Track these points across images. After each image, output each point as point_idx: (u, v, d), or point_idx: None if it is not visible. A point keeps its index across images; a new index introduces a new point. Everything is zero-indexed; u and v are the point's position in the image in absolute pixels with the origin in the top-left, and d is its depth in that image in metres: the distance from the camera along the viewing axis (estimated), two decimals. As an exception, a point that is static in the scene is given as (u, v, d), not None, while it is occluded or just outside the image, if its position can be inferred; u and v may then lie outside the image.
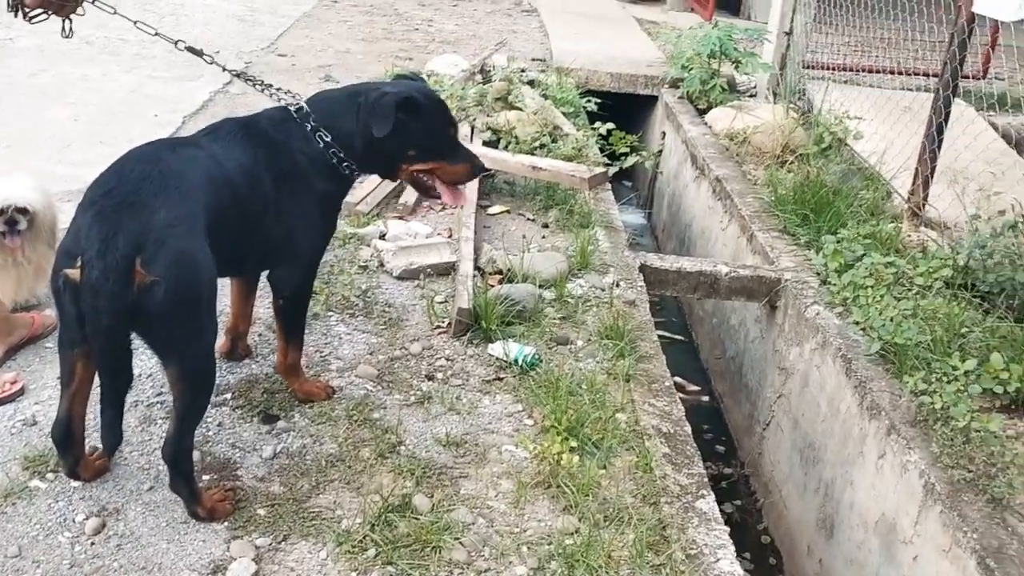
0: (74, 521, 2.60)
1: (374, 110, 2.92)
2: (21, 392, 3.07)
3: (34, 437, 2.90)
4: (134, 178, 2.47)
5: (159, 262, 2.35)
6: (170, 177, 2.51)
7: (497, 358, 3.64)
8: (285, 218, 2.91)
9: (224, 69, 3.27)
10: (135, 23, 3.22)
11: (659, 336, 4.13)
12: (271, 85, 3.22)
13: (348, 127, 2.97)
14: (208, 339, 2.61)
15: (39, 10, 2.78)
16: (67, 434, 2.62)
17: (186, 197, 2.50)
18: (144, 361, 3.35)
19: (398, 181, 3.56)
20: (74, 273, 2.35)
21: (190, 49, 3.22)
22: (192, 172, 2.61)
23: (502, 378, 3.54)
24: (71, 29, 2.90)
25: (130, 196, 2.41)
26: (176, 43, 3.27)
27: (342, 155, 2.98)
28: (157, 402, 3.15)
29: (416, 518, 2.74)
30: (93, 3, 2.96)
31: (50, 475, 2.75)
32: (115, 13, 3.11)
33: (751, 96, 7.76)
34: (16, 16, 2.77)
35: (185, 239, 2.45)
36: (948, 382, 3.56)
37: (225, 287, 3.37)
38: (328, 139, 2.96)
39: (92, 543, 2.53)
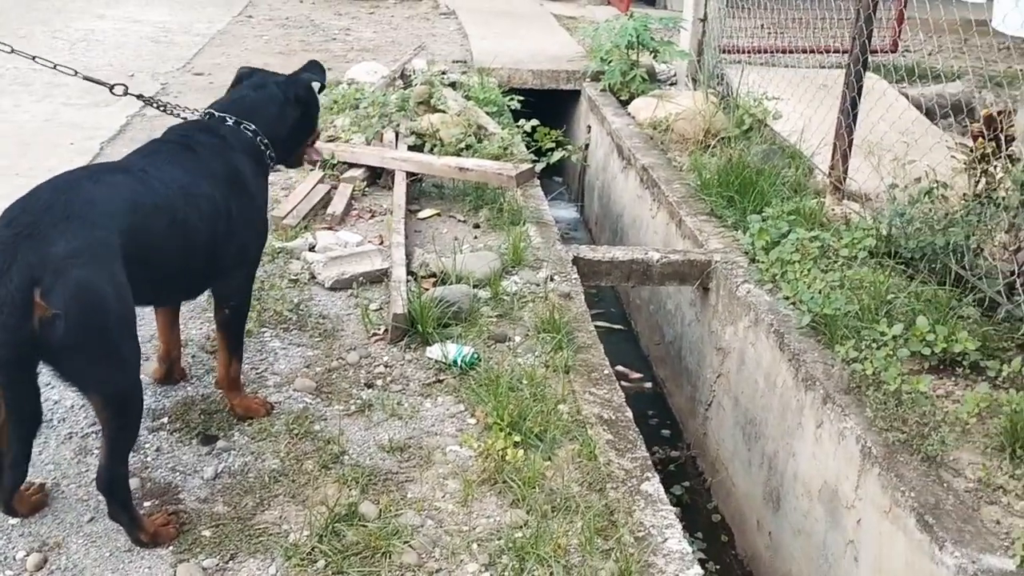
0: (14, 558, 2.54)
1: (302, 97, 3.24)
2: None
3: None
4: (37, 208, 2.42)
5: (58, 294, 2.29)
6: (76, 205, 2.45)
7: (436, 361, 3.64)
8: (234, 224, 2.94)
9: (126, 93, 3.23)
10: (33, 58, 3.18)
11: (598, 326, 4.17)
12: (175, 105, 3.28)
13: (270, 117, 3.14)
14: (126, 366, 2.52)
15: None
16: None
17: (92, 226, 2.44)
18: (77, 398, 3.29)
19: (299, 167, 3.80)
20: None
21: (87, 78, 3.20)
22: (107, 199, 2.56)
23: (442, 380, 3.54)
24: None
25: (29, 227, 2.35)
26: (75, 73, 3.28)
27: (266, 144, 3.11)
28: (92, 432, 3.09)
29: (364, 525, 2.73)
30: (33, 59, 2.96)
31: (-18, 515, 2.68)
32: (12, 52, 3.07)
33: (671, 84, 7.87)
34: None
35: (87, 268, 2.37)
36: (878, 348, 3.65)
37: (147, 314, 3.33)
38: (252, 130, 3.07)
39: (33, 580, 2.48)
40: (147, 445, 3.05)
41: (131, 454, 2.94)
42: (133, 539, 2.61)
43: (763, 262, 4.52)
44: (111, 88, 3.24)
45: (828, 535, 3.59)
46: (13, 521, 2.66)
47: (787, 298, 4.24)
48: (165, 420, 3.20)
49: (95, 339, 2.39)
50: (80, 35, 8.83)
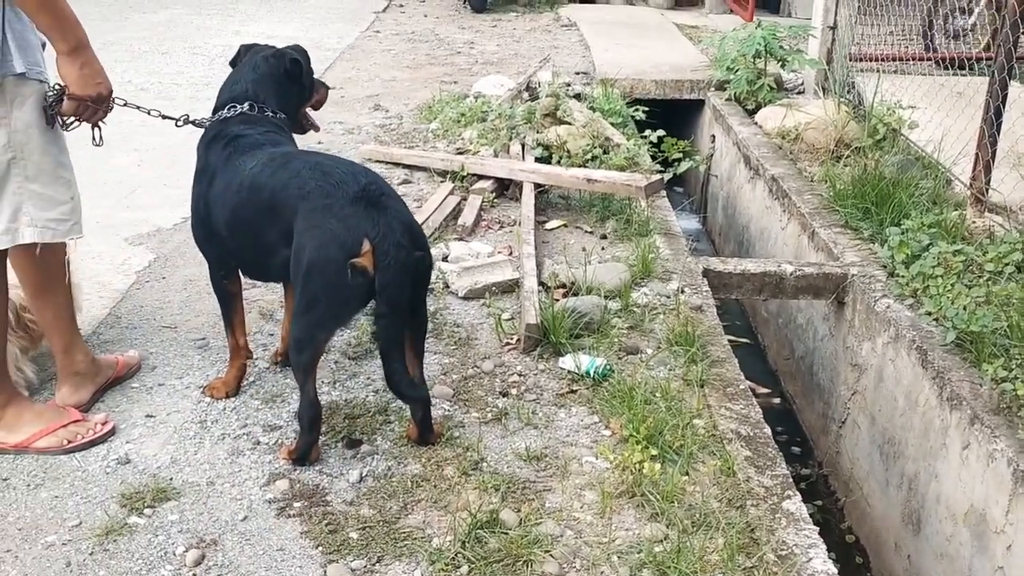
0: (174, 554, 2.67)
1: (298, 66, 3.44)
2: (112, 432, 3.17)
3: (129, 475, 2.98)
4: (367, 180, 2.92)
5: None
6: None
7: (569, 371, 3.66)
8: None
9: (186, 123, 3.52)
10: (149, 112, 3.49)
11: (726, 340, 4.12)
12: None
13: (277, 93, 3.39)
14: None
15: (72, 117, 2.96)
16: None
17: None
18: (231, 399, 3.43)
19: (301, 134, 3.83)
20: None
21: (192, 123, 3.51)
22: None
23: (575, 391, 3.56)
24: (101, 137, 3.14)
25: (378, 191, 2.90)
26: (177, 121, 3.52)
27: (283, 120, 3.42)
28: (243, 434, 3.22)
29: (505, 533, 2.77)
30: (124, 105, 3.22)
31: (147, 510, 2.82)
32: (139, 108, 3.41)
33: (799, 93, 7.72)
34: (53, 127, 2.96)
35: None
36: (1029, 367, 3.51)
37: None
38: (273, 110, 3.37)
39: (193, 574, 2.60)
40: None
41: (283, 459, 3.09)
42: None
43: (903, 276, 4.39)
44: (176, 122, 3.51)
45: (974, 560, 3.45)
46: (172, 517, 2.80)
47: (929, 314, 4.11)
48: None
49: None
50: (218, 51, 9.20)
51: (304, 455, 3.05)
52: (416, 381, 3.11)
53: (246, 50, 3.57)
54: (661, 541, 2.77)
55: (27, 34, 2.82)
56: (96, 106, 2.92)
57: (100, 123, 3.06)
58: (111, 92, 2.96)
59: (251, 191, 3.05)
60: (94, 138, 3.11)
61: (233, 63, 3.60)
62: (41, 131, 2.90)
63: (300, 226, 2.89)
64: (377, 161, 6.03)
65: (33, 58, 2.84)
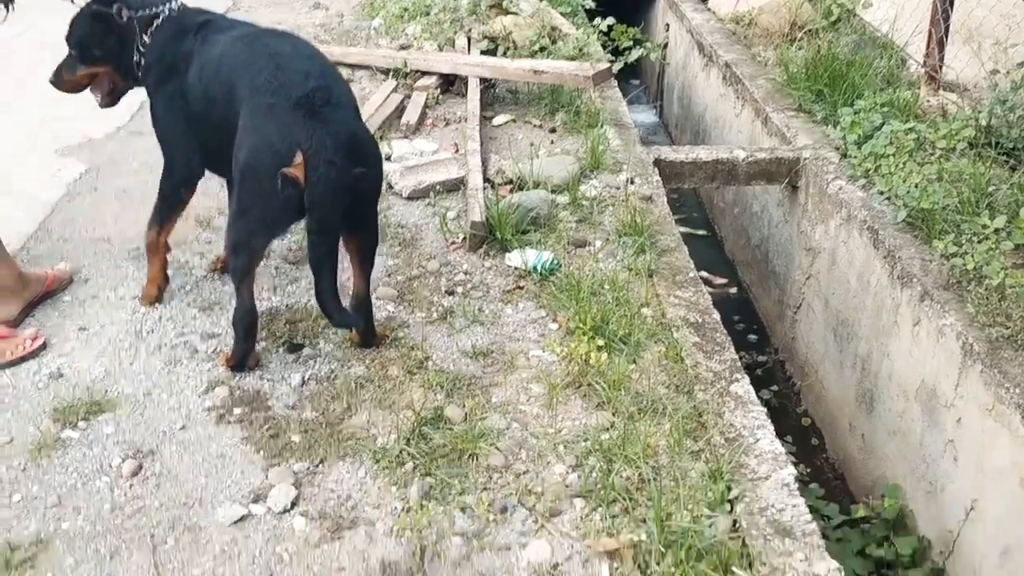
0: (110, 466, 2.60)
1: None
2: (43, 347, 3.06)
3: (62, 389, 2.90)
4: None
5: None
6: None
7: (515, 267, 3.59)
8: None
9: None
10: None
11: (682, 232, 4.04)
12: None
13: None
14: None
15: None
16: None
17: None
18: (163, 304, 3.33)
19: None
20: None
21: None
22: None
23: (522, 286, 3.49)
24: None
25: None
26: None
27: None
28: (180, 343, 3.14)
29: (450, 428, 2.73)
30: None
31: (82, 424, 2.75)
32: None
33: (753, -23, 7.50)
34: None
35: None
36: (979, 242, 3.48)
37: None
38: None
39: (131, 485, 2.54)
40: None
41: (221, 367, 3.01)
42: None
43: (855, 157, 4.33)
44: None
45: (925, 435, 3.47)
46: (108, 430, 2.73)
47: (881, 193, 4.05)
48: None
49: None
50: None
51: (241, 362, 2.97)
52: (356, 304, 3.05)
53: None
54: (607, 429, 2.74)
55: None
56: None
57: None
58: None
59: (218, 67, 2.96)
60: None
61: None
62: None
63: (243, 121, 2.79)
64: (318, 62, 5.81)
65: None
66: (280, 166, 2.64)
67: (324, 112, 2.70)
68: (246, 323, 2.92)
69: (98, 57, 3.23)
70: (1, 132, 4.90)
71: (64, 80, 3.28)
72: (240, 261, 2.87)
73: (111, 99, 3.35)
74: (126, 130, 4.89)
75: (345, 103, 2.86)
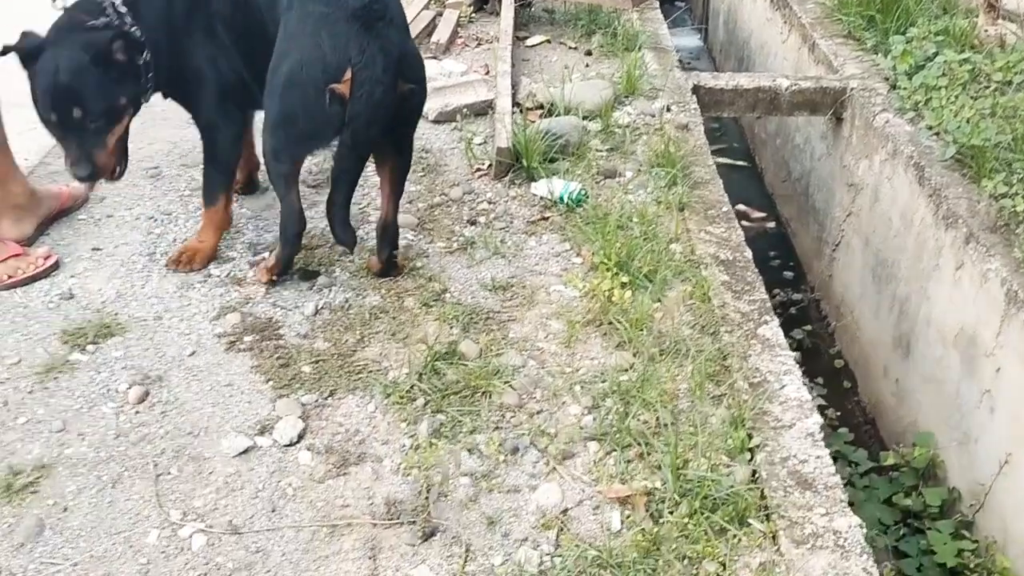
0: (117, 391, 2.55)
1: None
2: (55, 267, 3.01)
3: (72, 311, 2.85)
4: None
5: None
6: None
7: (541, 197, 3.46)
8: None
9: None
10: None
11: (721, 163, 3.88)
12: None
13: None
14: None
15: None
16: None
17: None
18: (178, 225, 3.26)
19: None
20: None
21: None
22: None
23: (547, 217, 3.37)
24: None
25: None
26: None
27: None
28: (194, 267, 3.07)
29: (464, 364, 2.64)
30: None
31: (90, 347, 2.70)
32: None
33: None
34: None
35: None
36: (1032, 182, 3.29)
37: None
38: None
39: (136, 412, 2.49)
40: (247, 280, 3.01)
41: (235, 288, 2.95)
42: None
43: (905, 88, 4.10)
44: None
45: (962, 384, 3.34)
46: (116, 354, 2.68)
47: (930, 128, 3.85)
48: (266, 254, 3.14)
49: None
50: None
51: (286, 266, 2.94)
52: (383, 230, 2.97)
53: None
54: (627, 370, 2.64)
55: None
56: None
57: None
58: None
59: None
60: None
61: None
62: None
63: (291, 25, 2.66)
64: (350, -23, 5.63)
65: None
66: (330, 82, 2.55)
67: (379, 27, 2.58)
68: (296, 227, 2.88)
69: (127, 103, 2.74)
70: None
71: (102, 164, 2.71)
72: (284, 166, 2.81)
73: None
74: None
75: (399, 20, 2.73)
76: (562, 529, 2.18)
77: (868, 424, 4.07)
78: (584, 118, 3.92)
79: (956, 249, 3.37)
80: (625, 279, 2.95)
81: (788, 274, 5.02)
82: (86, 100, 2.61)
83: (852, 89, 4.30)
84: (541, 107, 4.01)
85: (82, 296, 2.91)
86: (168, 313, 2.86)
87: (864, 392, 4.19)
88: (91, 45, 2.60)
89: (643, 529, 2.15)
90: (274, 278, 2.96)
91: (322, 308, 2.90)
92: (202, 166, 3.08)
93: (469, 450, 2.37)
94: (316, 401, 2.55)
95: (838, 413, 4.07)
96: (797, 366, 2.71)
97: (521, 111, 3.98)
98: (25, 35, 2.66)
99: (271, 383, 2.60)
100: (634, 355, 2.69)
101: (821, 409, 3.98)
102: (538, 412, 2.51)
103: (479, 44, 4.75)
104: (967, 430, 3.28)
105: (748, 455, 2.36)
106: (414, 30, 4.66)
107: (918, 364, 3.66)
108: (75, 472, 2.31)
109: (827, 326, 4.63)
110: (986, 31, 4.51)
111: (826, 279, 4.69)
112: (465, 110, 3.99)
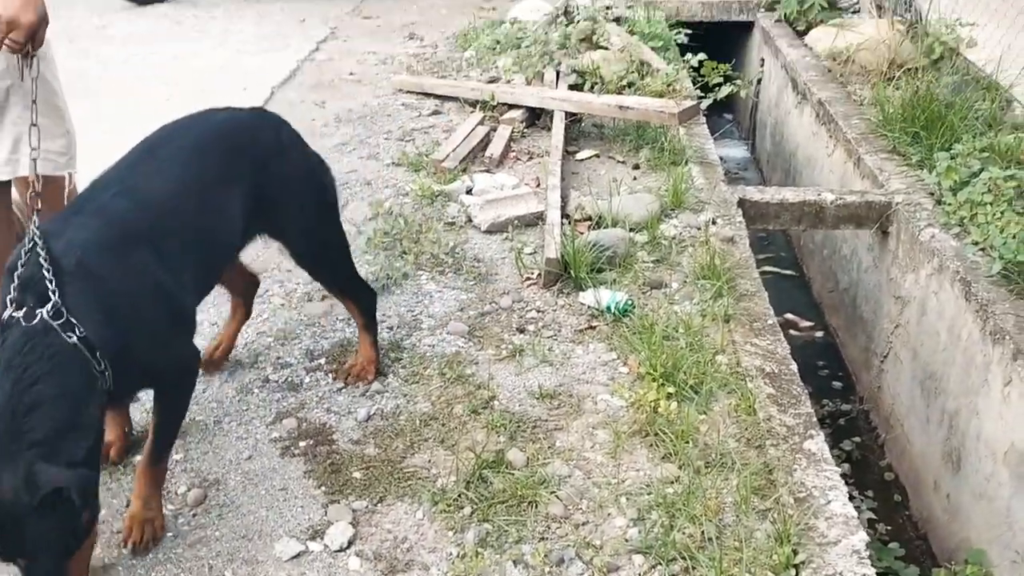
0: (176, 493, 2.65)
1: None
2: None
3: (136, 413, 2.96)
4: None
5: None
6: None
7: (589, 306, 3.55)
8: None
9: None
10: None
11: (767, 272, 3.96)
12: None
13: None
14: None
15: None
16: None
17: None
18: (243, 336, 3.40)
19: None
20: None
21: None
22: None
23: (595, 327, 3.45)
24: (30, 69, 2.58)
25: None
26: None
27: None
28: (253, 371, 3.18)
29: (511, 473, 2.70)
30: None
31: (152, 450, 2.80)
32: None
33: (854, 12, 7.34)
34: None
35: None
36: (1079, 300, 3.30)
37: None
38: None
39: (194, 514, 2.58)
40: (304, 385, 3.11)
41: (291, 393, 3.06)
42: None
43: (950, 204, 4.16)
44: None
45: (1013, 501, 3.29)
46: (177, 456, 2.78)
47: (976, 243, 3.88)
48: (323, 361, 3.25)
49: None
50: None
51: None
52: None
53: None
54: (672, 482, 2.67)
55: None
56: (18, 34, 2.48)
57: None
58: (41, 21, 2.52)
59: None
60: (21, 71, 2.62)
61: None
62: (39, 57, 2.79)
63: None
64: (408, 91, 5.90)
65: None
66: None
67: None
68: None
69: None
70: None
71: None
72: None
73: None
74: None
75: None
76: (606, 643, 2.19)
77: (920, 539, 4.00)
78: (631, 230, 4.03)
79: (1004, 365, 3.37)
80: (671, 390, 3.00)
81: (837, 384, 5.00)
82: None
83: (897, 203, 4.36)
84: (589, 219, 4.14)
85: (146, 399, 3.03)
86: (228, 417, 2.96)
87: (915, 506, 4.13)
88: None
89: (687, 645, 2.16)
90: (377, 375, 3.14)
91: (374, 414, 2.99)
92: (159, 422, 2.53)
93: (515, 561, 2.40)
94: (366, 507, 2.61)
95: (889, 527, 4.01)
96: (843, 481, 2.71)
97: (570, 223, 4.11)
98: None
99: (323, 488, 2.68)
100: (680, 467, 2.72)
101: (871, 523, 3.96)
102: (584, 523, 2.55)
103: (531, 158, 4.92)
104: (1020, 548, 3.22)
105: (793, 571, 2.36)
106: (469, 145, 4.86)
107: (968, 479, 3.63)
108: (132, 573, 2.38)
109: (877, 438, 4.59)
110: (1032, 147, 4.57)
111: (875, 390, 4.67)
112: (516, 221, 4.12)
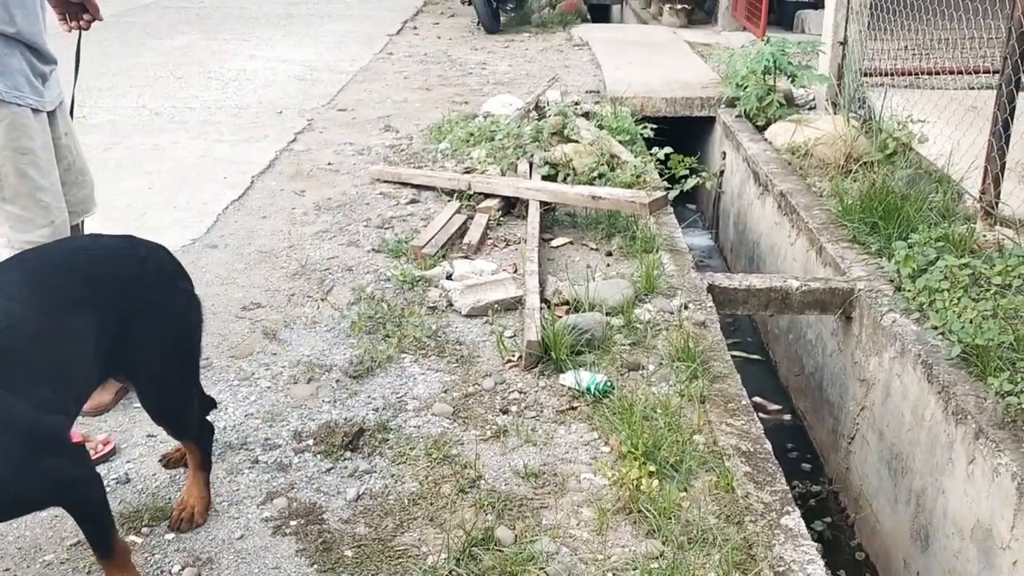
0: (170, 572, 2.68)
1: None
2: (113, 452, 3.19)
3: (128, 494, 3.01)
4: None
5: None
6: None
7: (569, 388, 3.66)
8: None
9: None
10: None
11: (736, 356, 4.09)
12: None
13: None
14: None
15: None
16: None
17: None
18: (228, 413, 3.45)
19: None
20: None
21: None
22: None
23: (576, 407, 3.56)
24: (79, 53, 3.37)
25: None
26: None
27: None
28: (242, 453, 3.24)
29: (500, 550, 2.76)
30: None
31: (145, 529, 2.84)
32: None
33: (810, 109, 7.70)
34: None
35: None
36: (1035, 381, 3.47)
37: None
38: None
39: (188, 593, 2.61)
40: (293, 466, 3.17)
41: (281, 474, 3.11)
42: None
43: (909, 290, 4.36)
44: None
45: (982, 577, 3.41)
46: (169, 536, 2.81)
47: (935, 328, 4.07)
48: (311, 443, 3.32)
49: None
50: (232, 75, 9.31)
51: None
52: None
53: None
54: (657, 558, 2.75)
55: (7, 59, 2.89)
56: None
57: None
58: None
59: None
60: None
61: None
62: (18, 154, 2.94)
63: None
64: (386, 181, 6.07)
65: (12, 81, 2.90)
66: None
67: None
68: None
69: None
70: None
71: None
72: None
73: None
74: (201, 243, 5.12)
75: None
76: None
77: (892, 619, 4.09)
78: (607, 314, 4.17)
79: (967, 444, 3.52)
80: (652, 468, 3.10)
81: (806, 466, 5.13)
82: None
83: (859, 290, 4.56)
84: (567, 303, 4.28)
85: (137, 480, 3.08)
86: (218, 497, 3.01)
87: (887, 586, 4.22)
88: None
89: None
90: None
91: (363, 494, 3.05)
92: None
93: (509, 634, 2.46)
94: (358, 585, 2.66)
95: (862, 607, 4.10)
96: (819, 556, 2.81)
97: (548, 307, 4.25)
98: None
99: (316, 567, 2.72)
100: (663, 543, 2.81)
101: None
102: (572, 598, 2.62)
103: (507, 245, 5.08)
104: (991, 624, 3.32)
105: (777, 643, 2.44)
106: (447, 233, 5.01)
107: (937, 557, 3.74)
108: (129, 651, 2.40)
109: (847, 518, 4.70)
110: (984, 236, 4.82)
111: (843, 471, 4.80)
112: (496, 305, 4.25)
